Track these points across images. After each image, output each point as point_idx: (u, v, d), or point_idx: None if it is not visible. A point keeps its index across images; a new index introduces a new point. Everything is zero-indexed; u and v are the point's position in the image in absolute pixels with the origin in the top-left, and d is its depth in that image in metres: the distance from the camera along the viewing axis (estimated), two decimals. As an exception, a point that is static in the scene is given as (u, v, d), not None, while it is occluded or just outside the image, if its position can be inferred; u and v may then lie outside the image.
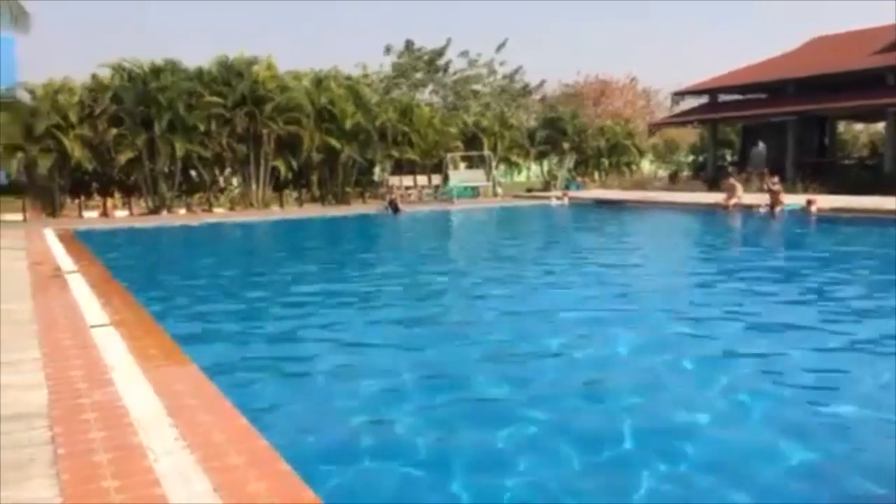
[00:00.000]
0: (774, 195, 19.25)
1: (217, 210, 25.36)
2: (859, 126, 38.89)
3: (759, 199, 20.12)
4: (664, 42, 68.81)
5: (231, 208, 25.68)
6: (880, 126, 30.64)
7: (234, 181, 27.20)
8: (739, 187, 21.07)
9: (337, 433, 4.88)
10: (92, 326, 6.59)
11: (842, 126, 35.59)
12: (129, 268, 12.56)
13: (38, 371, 5.12)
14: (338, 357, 6.73)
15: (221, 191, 26.93)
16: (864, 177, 25.26)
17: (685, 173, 34.93)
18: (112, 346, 5.80)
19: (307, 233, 20.63)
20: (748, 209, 19.88)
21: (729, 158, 34.50)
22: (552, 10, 70.53)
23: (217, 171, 26.33)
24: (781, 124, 28.14)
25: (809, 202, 18.57)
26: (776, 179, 20.03)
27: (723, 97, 32.45)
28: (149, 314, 7.51)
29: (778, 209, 19.05)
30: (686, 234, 18.47)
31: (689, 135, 39.78)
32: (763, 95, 31.25)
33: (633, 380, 5.92)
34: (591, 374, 6.12)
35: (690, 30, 70.25)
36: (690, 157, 39.40)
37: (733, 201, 20.44)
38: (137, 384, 4.80)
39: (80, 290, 8.78)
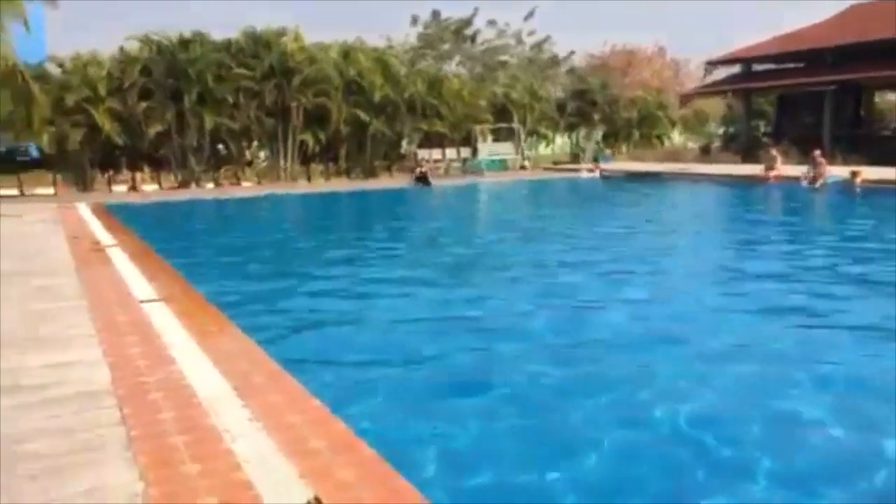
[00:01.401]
0: (818, 167, 18.77)
1: (245, 184, 25.24)
2: (892, 96, 37.85)
3: (795, 171, 19.60)
4: (694, 10, 67.23)
5: (258, 182, 25.56)
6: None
7: (262, 154, 27.06)
8: (779, 158, 20.57)
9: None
10: (141, 302, 6.44)
11: (877, 96, 34.66)
12: (166, 241, 12.43)
13: (94, 347, 4.98)
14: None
15: (248, 164, 26.79)
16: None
17: (716, 144, 34.29)
18: (166, 323, 5.65)
19: (350, 206, 20.39)
20: (789, 181, 19.37)
21: (763, 129, 33.75)
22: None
23: (245, 145, 26.20)
24: (818, 94, 27.40)
25: (854, 174, 18.05)
26: (819, 151, 19.52)
27: (757, 67, 31.69)
28: (196, 289, 7.36)
29: (820, 181, 18.57)
30: (738, 207, 17.76)
31: (718, 106, 39.00)
32: (800, 64, 30.45)
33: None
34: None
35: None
36: (721, 129, 38.67)
37: (773, 173, 19.96)
38: (200, 362, 4.63)
39: (123, 264, 8.67)
